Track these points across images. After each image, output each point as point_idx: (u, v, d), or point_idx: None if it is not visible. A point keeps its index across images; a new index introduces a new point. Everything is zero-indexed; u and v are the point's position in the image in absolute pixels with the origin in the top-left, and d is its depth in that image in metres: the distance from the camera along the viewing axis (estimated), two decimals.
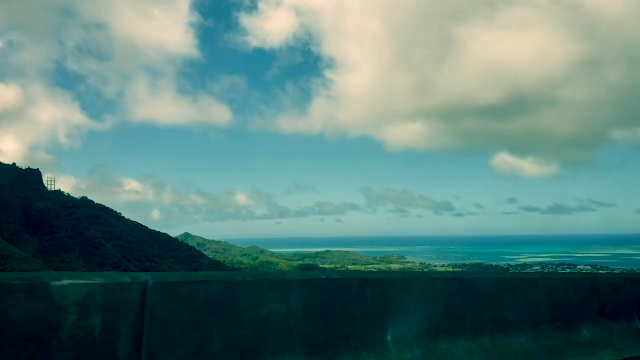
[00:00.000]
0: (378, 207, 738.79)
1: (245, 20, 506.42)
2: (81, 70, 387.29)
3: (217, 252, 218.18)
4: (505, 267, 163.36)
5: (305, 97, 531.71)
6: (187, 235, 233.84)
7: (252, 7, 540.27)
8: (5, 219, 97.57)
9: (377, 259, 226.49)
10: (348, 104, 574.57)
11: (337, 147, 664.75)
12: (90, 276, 2.76)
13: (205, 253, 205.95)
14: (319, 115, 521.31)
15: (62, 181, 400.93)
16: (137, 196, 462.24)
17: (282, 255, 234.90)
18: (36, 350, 2.53)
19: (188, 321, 3.01)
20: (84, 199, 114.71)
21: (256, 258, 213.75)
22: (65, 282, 2.63)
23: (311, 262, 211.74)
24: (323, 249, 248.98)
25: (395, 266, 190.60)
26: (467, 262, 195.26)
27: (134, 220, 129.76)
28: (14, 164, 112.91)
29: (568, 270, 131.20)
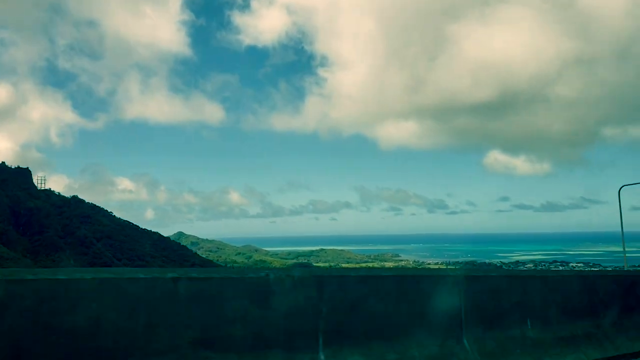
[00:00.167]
0: (372, 206, 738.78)
1: (238, 18, 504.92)
2: (73, 69, 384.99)
3: (210, 251, 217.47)
4: (498, 264, 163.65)
5: (298, 96, 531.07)
6: (180, 234, 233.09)
7: (245, 6, 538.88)
8: None
9: (372, 257, 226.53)
10: (341, 102, 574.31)
11: (331, 145, 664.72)
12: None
13: (199, 252, 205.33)
14: (313, 113, 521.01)
15: (55, 180, 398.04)
16: (131, 195, 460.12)
17: (277, 254, 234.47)
18: None
19: None
20: (75, 198, 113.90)
21: (250, 257, 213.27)
22: None
23: (305, 261, 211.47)
24: (317, 248, 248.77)
25: (389, 264, 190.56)
26: (461, 260, 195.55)
27: (126, 219, 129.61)
28: (3, 163, 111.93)
29: (561, 268, 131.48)
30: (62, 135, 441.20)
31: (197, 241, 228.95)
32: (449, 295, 4.54)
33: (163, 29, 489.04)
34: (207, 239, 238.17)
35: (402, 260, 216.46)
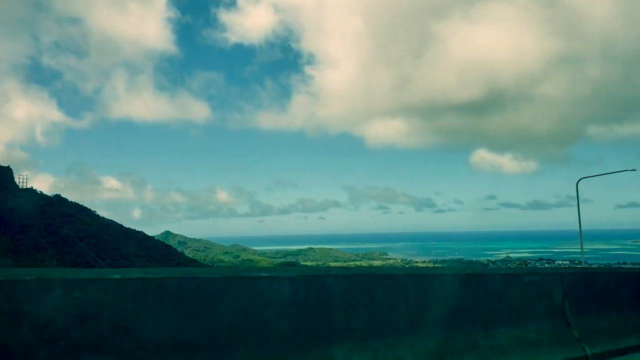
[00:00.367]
0: (361, 205, 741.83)
1: (224, 16, 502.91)
2: (57, 67, 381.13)
3: (198, 250, 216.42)
4: (485, 262, 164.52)
5: (284, 94, 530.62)
6: (168, 233, 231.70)
7: (231, 4, 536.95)
8: None
9: (360, 255, 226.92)
10: (328, 100, 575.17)
11: (318, 144, 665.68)
12: None
13: (186, 252, 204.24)
14: (299, 112, 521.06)
15: (40, 179, 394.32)
16: (117, 194, 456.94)
17: (265, 253, 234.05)
18: None
19: None
20: (58, 197, 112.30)
21: (238, 256, 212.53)
22: None
23: (293, 260, 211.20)
24: (306, 247, 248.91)
25: (377, 263, 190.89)
26: (448, 257, 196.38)
27: (113, 218, 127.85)
28: None
29: (547, 265, 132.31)
30: (48, 134, 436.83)
31: (184, 240, 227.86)
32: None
33: (149, 26, 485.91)
34: (194, 239, 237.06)
35: (390, 259, 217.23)
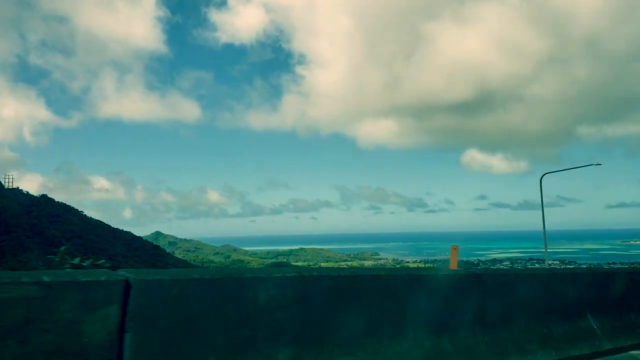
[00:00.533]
0: (352, 205, 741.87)
1: (215, 15, 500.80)
2: (45, 65, 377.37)
3: (188, 251, 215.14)
4: (475, 262, 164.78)
5: (275, 94, 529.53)
6: (158, 234, 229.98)
7: (222, 3, 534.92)
8: None
9: (351, 255, 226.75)
10: (319, 100, 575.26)
11: (310, 144, 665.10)
12: None
13: (177, 252, 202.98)
14: (290, 111, 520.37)
15: (29, 179, 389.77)
16: (107, 194, 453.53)
17: (256, 254, 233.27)
18: None
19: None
20: (44, 197, 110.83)
21: (228, 257, 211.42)
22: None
23: (285, 260, 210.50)
24: (297, 247, 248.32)
25: (368, 263, 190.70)
26: (439, 257, 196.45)
27: (103, 219, 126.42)
28: None
29: (537, 265, 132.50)
30: (36, 133, 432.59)
31: (174, 241, 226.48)
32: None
33: (138, 25, 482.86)
34: (185, 239, 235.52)
35: (381, 259, 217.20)
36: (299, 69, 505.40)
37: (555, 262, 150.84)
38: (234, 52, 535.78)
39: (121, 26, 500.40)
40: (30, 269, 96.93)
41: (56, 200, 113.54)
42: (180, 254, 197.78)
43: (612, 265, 74.29)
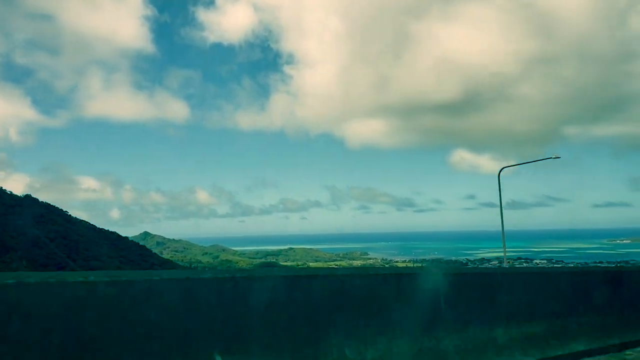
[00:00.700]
0: (342, 204, 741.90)
1: (203, 15, 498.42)
2: (31, 65, 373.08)
3: (177, 251, 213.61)
4: (464, 262, 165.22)
5: (264, 94, 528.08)
6: (146, 234, 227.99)
7: (210, 2, 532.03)
8: None
9: (340, 255, 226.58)
10: (308, 100, 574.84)
11: (299, 143, 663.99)
12: None
13: (165, 252, 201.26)
14: (279, 111, 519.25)
15: (15, 180, 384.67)
16: (95, 195, 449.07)
17: (244, 254, 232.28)
18: None
19: None
20: (28, 197, 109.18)
21: (217, 257, 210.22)
22: None
23: (274, 260, 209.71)
24: (286, 247, 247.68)
25: (357, 263, 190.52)
26: (428, 257, 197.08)
27: (91, 219, 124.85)
28: None
29: (525, 265, 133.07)
30: (22, 133, 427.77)
31: (163, 241, 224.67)
32: None
33: (124, 24, 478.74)
34: (173, 239, 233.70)
35: (370, 259, 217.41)
36: (287, 69, 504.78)
37: (543, 261, 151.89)
38: (223, 52, 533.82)
39: (107, 25, 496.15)
40: (14, 269, 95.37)
41: (40, 200, 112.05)
42: (168, 254, 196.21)
43: (599, 264, 74.52)
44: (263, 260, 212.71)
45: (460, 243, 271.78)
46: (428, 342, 4.49)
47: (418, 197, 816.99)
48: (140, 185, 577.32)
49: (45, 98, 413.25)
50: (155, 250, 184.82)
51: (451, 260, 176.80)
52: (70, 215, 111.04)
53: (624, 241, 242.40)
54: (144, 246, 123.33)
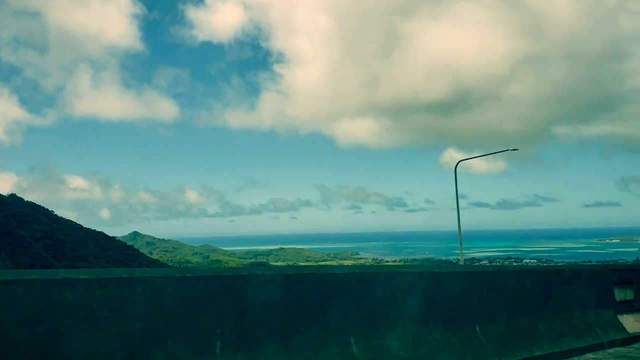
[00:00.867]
0: (333, 204, 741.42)
1: (192, 13, 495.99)
2: (18, 62, 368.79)
3: (166, 251, 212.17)
4: (454, 261, 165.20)
5: (253, 92, 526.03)
6: (136, 234, 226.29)
7: (199, 0, 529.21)
8: None
9: (331, 255, 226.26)
10: (298, 99, 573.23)
11: (289, 143, 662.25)
12: None
13: (155, 252, 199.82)
14: (269, 110, 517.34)
15: (2, 179, 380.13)
16: (84, 194, 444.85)
17: (235, 254, 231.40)
18: None
19: None
20: (13, 196, 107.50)
21: (207, 257, 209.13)
22: None
23: (264, 260, 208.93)
24: (277, 247, 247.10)
25: (348, 262, 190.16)
26: (419, 257, 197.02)
27: (80, 219, 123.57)
28: None
29: (515, 264, 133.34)
30: (10, 132, 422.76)
31: (152, 241, 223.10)
32: None
33: (113, 22, 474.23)
34: (163, 239, 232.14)
35: (361, 259, 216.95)
36: (277, 68, 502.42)
37: (532, 260, 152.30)
38: (212, 50, 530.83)
39: (95, 23, 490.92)
40: None
41: (25, 199, 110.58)
42: (158, 254, 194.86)
43: (587, 263, 74.48)
44: (253, 260, 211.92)
45: (451, 243, 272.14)
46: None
47: (409, 196, 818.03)
48: (129, 184, 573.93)
49: (33, 96, 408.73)
50: (145, 250, 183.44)
51: (442, 260, 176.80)
52: (56, 214, 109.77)
53: (613, 241, 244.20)
54: (131, 246, 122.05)
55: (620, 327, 7.22)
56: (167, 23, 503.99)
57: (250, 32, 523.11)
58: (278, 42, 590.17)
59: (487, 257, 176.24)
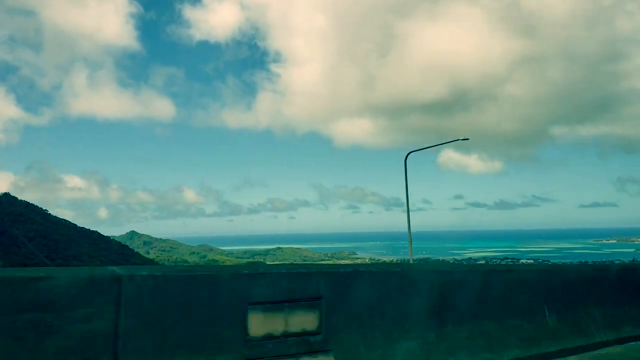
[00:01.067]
0: (330, 204, 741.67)
1: (189, 12, 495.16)
2: (14, 61, 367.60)
3: (164, 250, 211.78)
4: (451, 261, 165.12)
5: (251, 92, 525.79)
6: (133, 233, 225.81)
7: (196, 0, 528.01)
8: None
9: (328, 255, 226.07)
10: (295, 99, 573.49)
11: (286, 142, 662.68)
12: None
13: (152, 252, 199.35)
14: (266, 110, 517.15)
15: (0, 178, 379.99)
16: (81, 193, 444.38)
17: (232, 253, 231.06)
18: None
19: None
20: (6, 195, 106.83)
21: (204, 256, 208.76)
22: None
23: (261, 260, 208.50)
24: (274, 246, 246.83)
25: (345, 262, 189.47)
26: (415, 257, 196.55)
27: (78, 219, 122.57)
28: None
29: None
30: (6, 131, 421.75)
31: (150, 240, 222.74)
32: None
33: (109, 21, 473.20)
34: (160, 239, 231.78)
35: (358, 258, 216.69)
36: (274, 67, 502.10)
37: (529, 261, 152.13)
38: (209, 50, 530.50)
39: (92, 22, 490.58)
40: None
41: (20, 198, 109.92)
42: (155, 253, 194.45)
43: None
44: (250, 259, 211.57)
45: (449, 243, 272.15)
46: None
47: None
48: (126, 184, 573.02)
49: (30, 95, 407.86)
50: (142, 250, 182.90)
51: (438, 260, 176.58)
52: (50, 213, 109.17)
53: (610, 241, 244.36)
54: (126, 246, 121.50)
55: None
56: (164, 22, 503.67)
57: (247, 31, 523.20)
58: (275, 42, 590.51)
59: (484, 258, 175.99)
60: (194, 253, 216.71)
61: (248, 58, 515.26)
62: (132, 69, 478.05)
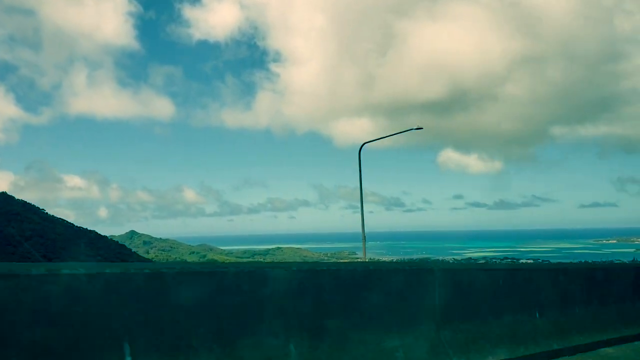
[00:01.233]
0: (330, 204, 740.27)
1: (188, 11, 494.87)
2: (13, 60, 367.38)
3: (163, 250, 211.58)
4: (451, 261, 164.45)
5: (250, 92, 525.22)
6: (133, 233, 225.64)
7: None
8: None
9: (328, 255, 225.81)
10: (294, 98, 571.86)
11: (286, 142, 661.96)
12: None
13: (151, 252, 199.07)
14: (265, 109, 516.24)
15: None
16: (81, 193, 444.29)
17: (232, 253, 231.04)
18: None
19: None
20: (3, 194, 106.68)
21: (204, 256, 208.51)
22: None
23: (261, 260, 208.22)
24: (274, 246, 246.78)
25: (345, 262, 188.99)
26: (415, 257, 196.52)
27: (77, 218, 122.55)
28: None
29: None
30: (6, 130, 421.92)
31: (149, 240, 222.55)
32: None
33: (108, 20, 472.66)
34: (160, 238, 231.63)
35: (358, 258, 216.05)
36: (273, 67, 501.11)
37: (529, 261, 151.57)
38: (208, 49, 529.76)
39: (91, 21, 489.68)
40: None
41: (18, 198, 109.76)
42: (154, 253, 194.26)
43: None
44: (251, 259, 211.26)
45: (448, 243, 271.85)
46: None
47: (406, 196, 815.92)
48: (126, 183, 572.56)
49: (29, 95, 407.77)
50: (142, 250, 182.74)
51: (438, 259, 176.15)
52: (47, 213, 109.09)
53: (610, 241, 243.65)
54: (124, 245, 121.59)
55: None
56: (163, 22, 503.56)
57: (247, 31, 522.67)
58: (274, 41, 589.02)
59: (484, 257, 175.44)
60: (193, 253, 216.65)
61: (247, 58, 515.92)
62: (131, 68, 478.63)
